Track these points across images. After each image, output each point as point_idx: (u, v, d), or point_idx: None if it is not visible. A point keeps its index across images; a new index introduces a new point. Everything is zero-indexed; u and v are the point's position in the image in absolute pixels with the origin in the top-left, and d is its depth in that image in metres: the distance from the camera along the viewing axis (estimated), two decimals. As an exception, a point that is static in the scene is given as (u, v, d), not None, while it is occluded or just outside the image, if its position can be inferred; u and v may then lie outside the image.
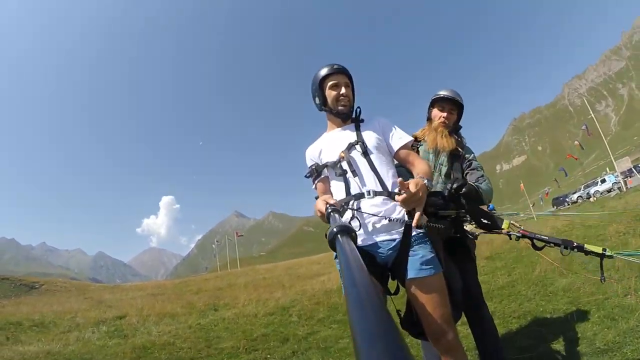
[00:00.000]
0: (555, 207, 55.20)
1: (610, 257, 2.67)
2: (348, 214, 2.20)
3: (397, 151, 2.44)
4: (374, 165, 2.31)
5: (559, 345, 3.70)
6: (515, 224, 2.83)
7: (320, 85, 2.50)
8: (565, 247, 2.65)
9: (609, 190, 43.21)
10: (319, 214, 2.02)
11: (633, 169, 44.47)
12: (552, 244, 2.77)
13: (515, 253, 8.92)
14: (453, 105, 3.28)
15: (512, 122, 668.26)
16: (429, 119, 3.37)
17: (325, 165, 2.43)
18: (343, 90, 2.45)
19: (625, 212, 11.15)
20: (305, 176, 2.55)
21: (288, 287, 12.72)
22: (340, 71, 2.47)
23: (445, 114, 3.24)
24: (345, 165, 2.33)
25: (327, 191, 2.46)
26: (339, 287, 9.94)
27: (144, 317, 9.15)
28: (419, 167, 2.31)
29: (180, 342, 6.27)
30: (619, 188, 38.16)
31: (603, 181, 47.34)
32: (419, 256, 2.07)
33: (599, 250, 2.65)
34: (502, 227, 2.76)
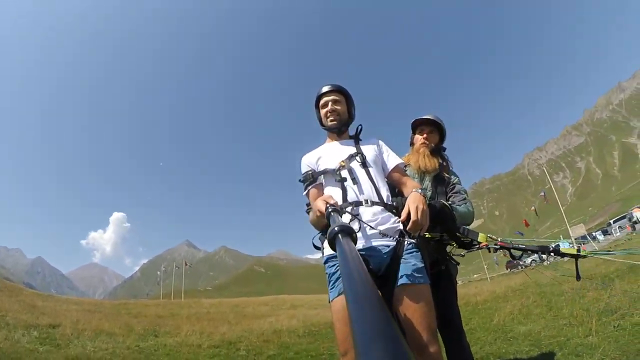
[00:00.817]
0: (508, 270, 56.38)
1: (584, 256, 2.98)
2: (346, 217, 2.20)
3: (390, 171, 2.55)
4: (372, 176, 2.41)
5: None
6: (492, 236, 2.95)
7: (316, 106, 2.77)
8: (543, 253, 2.94)
9: (562, 256, 44.67)
10: (318, 214, 1.97)
11: (587, 236, 46.04)
12: (529, 251, 3.05)
13: (471, 307, 9.06)
14: (432, 127, 3.37)
15: (472, 186, 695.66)
16: (412, 144, 3.46)
17: (323, 172, 2.49)
18: (329, 107, 2.66)
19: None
20: (299, 180, 2.61)
21: (234, 324, 12.20)
22: (331, 90, 2.70)
23: (425, 135, 3.35)
24: (345, 173, 2.41)
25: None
26: (289, 328, 9.65)
27: (79, 330, 8.53)
28: (411, 184, 2.45)
29: None
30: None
31: (557, 246, 49.12)
32: (411, 264, 2.10)
33: (573, 251, 2.93)
34: (479, 240, 2.85)
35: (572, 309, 5.64)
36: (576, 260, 2.90)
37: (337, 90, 2.70)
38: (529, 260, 53.48)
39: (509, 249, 2.99)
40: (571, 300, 6.85)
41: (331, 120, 2.65)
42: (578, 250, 2.86)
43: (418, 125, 3.41)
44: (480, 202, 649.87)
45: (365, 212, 2.23)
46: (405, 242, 2.17)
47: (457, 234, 2.85)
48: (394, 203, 2.37)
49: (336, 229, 1.07)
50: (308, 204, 2.54)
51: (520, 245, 2.90)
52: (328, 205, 1.69)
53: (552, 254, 2.99)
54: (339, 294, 2.04)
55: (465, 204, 3.12)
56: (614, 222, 56.79)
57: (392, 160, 2.59)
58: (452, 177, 3.29)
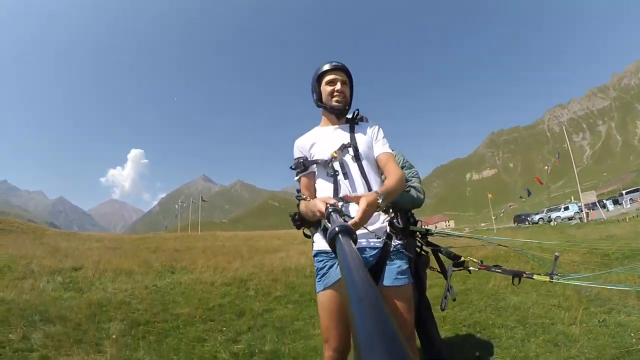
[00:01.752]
0: (516, 224, 55.97)
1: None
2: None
3: (377, 156, 2.41)
4: (364, 172, 2.30)
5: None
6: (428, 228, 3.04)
7: (318, 81, 2.48)
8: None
9: (570, 218, 44.11)
10: (318, 214, 1.88)
11: (597, 203, 45.27)
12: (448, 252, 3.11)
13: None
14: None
15: (490, 135, 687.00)
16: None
17: (315, 162, 2.37)
18: (338, 87, 2.40)
19: (582, 243, 11.50)
20: (291, 168, 2.47)
21: (247, 259, 12.60)
22: (338, 68, 2.44)
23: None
24: (337, 166, 2.29)
25: (311, 187, 2.42)
26: (297, 266, 10.01)
27: (100, 271, 8.92)
28: (388, 180, 2.23)
29: (136, 302, 6.18)
30: (580, 218, 38.66)
31: (566, 208, 48.53)
32: (396, 266, 2.14)
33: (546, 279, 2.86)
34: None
35: (565, 288, 5.74)
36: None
37: (347, 71, 2.48)
38: (536, 217, 52.85)
39: (437, 249, 3.17)
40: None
41: (337, 101, 2.42)
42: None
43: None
44: (496, 152, 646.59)
45: (353, 211, 2.13)
46: (393, 243, 2.20)
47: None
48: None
49: (336, 229, 1.07)
50: (299, 190, 2.44)
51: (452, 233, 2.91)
52: (328, 205, 1.63)
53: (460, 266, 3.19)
54: (325, 288, 2.13)
55: (409, 190, 3.00)
56: (627, 193, 55.20)
57: (380, 146, 2.43)
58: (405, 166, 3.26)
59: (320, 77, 2.47)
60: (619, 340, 3.86)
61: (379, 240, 2.17)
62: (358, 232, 1.98)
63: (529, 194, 52.89)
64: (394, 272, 2.13)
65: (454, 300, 3.03)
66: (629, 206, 46.89)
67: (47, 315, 5.07)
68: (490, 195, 54.33)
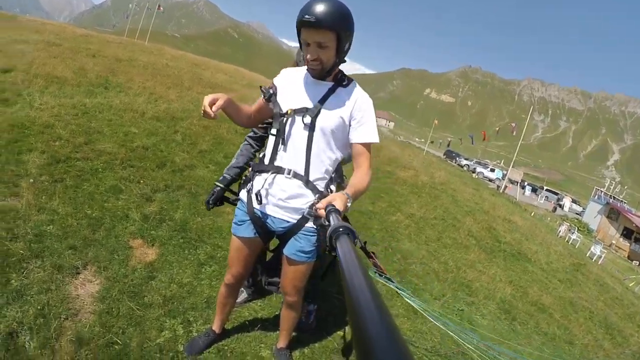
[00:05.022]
0: (444, 157, 55.76)
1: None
2: (260, 180, 2.06)
3: (354, 143, 2.00)
4: (310, 147, 1.96)
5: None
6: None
7: (298, 33, 1.84)
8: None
9: (490, 180, 44.56)
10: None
11: (517, 182, 46.41)
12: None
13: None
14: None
15: (464, 67, 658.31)
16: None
17: (272, 110, 2.04)
18: (311, 55, 1.82)
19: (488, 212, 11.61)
20: (260, 87, 2.11)
21: (186, 89, 12.08)
22: (312, 25, 1.71)
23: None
24: (286, 127, 1.98)
25: (263, 113, 2.16)
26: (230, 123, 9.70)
27: (30, 77, 8.27)
28: (355, 177, 1.93)
29: (61, 127, 5.90)
30: (498, 186, 38.26)
31: (492, 170, 49.14)
32: (299, 245, 2.09)
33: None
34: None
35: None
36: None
37: (328, 27, 1.72)
38: (463, 162, 53.13)
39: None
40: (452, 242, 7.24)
41: (311, 68, 1.90)
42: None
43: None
44: (462, 85, 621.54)
45: (281, 183, 2.00)
46: (306, 224, 2.05)
47: None
48: (328, 189, 2.07)
49: (335, 229, 1.05)
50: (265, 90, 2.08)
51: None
52: (328, 205, 1.46)
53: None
54: (236, 236, 2.22)
55: None
56: (546, 190, 56.47)
57: (360, 134, 1.98)
58: None
59: (299, 30, 1.83)
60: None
61: (293, 217, 2.05)
62: (278, 204, 2.03)
63: (472, 142, 53.12)
64: (296, 247, 2.09)
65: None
66: (541, 202, 47.46)
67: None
68: (436, 122, 53.89)
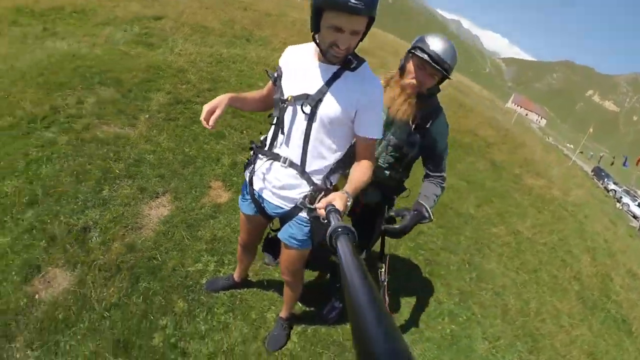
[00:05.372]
0: (592, 174, 44.40)
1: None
2: (258, 165, 2.03)
3: (358, 136, 1.85)
4: (309, 137, 1.83)
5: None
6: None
7: (319, 10, 1.51)
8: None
9: (634, 216, 32.47)
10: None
11: None
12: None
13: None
14: (436, 71, 2.16)
15: (637, 74, 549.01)
16: (401, 70, 2.31)
17: (274, 96, 1.90)
18: (343, 44, 1.57)
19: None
20: (266, 72, 2.01)
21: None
22: (356, 11, 1.43)
23: (421, 78, 2.21)
24: (286, 115, 1.86)
25: (269, 95, 2.07)
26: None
27: (179, 24, 8.78)
28: (355, 172, 1.83)
29: (192, 73, 6.35)
30: None
31: None
32: (291, 232, 2.08)
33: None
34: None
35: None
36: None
37: (368, 13, 1.48)
38: (611, 186, 40.59)
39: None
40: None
41: (335, 55, 1.64)
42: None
43: (418, 55, 2.16)
44: (632, 94, 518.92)
45: (274, 172, 1.95)
46: (300, 214, 2.00)
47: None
48: (326, 183, 1.94)
49: (335, 229, 1.05)
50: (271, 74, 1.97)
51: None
52: (328, 204, 1.41)
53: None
54: (242, 213, 2.32)
55: (442, 185, 2.53)
56: None
57: (365, 127, 1.82)
58: (436, 127, 2.37)
59: (321, 10, 1.50)
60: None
61: (285, 205, 2.01)
62: (272, 190, 2.00)
63: (625, 164, 44.64)
64: (288, 233, 2.09)
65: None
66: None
67: (107, 76, 5.47)
68: (590, 130, 44.04)
